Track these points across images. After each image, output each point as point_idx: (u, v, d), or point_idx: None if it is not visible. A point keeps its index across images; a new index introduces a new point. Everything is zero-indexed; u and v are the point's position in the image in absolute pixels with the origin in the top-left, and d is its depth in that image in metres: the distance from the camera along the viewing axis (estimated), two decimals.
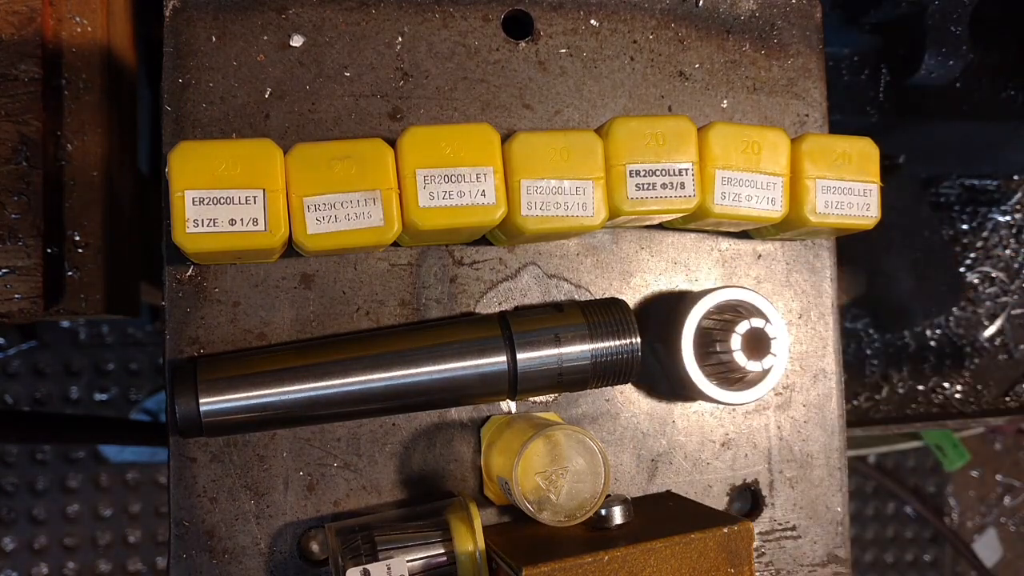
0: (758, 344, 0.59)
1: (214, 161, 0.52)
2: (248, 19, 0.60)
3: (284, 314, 0.60)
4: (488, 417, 0.62)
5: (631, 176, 0.57)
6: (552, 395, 0.63)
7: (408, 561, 0.53)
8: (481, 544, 0.54)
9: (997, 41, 0.94)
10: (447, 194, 0.54)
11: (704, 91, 0.66)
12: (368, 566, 0.52)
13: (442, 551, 0.54)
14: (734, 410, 0.66)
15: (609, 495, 0.55)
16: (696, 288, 0.66)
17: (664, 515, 0.59)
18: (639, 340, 0.59)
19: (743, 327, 0.59)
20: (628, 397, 0.65)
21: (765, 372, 0.60)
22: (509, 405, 0.62)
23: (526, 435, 0.53)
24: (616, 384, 0.61)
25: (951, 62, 0.86)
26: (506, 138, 0.56)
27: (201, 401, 0.55)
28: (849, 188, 0.60)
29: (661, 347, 0.64)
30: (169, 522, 0.59)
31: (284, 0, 0.61)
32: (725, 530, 0.54)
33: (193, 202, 0.52)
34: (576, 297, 0.64)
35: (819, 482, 0.67)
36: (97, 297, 0.73)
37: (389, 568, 0.52)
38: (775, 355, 0.60)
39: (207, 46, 0.60)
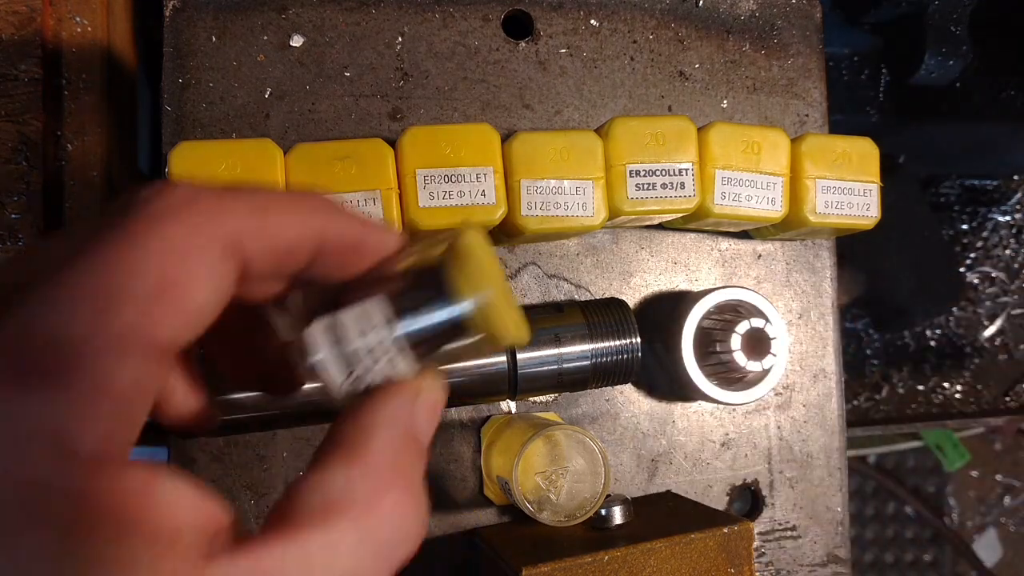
0: (758, 344, 0.59)
1: (214, 161, 0.52)
2: (248, 19, 0.60)
3: None
4: (488, 417, 0.62)
5: (631, 176, 0.57)
6: (552, 395, 0.63)
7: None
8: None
9: (997, 41, 0.94)
10: (447, 194, 0.54)
11: (704, 91, 0.66)
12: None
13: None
14: (734, 410, 0.66)
15: (609, 495, 0.55)
16: (696, 288, 0.66)
17: (664, 515, 0.59)
18: (639, 340, 0.59)
19: (743, 327, 0.59)
20: (628, 397, 0.65)
21: (765, 372, 0.60)
22: (509, 405, 0.62)
23: (526, 435, 0.53)
24: (616, 384, 0.61)
25: (951, 62, 0.86)
26: (506, 138, 0.56)
27: None
28: (849, 188, 0.60)
29: (661, 347, 0.64)
30: None
31: (284, 0, 0.61)
32: (725, 530, 0.54)
33: None
34: (576, 297, 0.64)
35: (819, 482, 0.67)
36: None
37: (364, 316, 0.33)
38: (775, 355, 0.60)
39: (207, 46, 0.60)
